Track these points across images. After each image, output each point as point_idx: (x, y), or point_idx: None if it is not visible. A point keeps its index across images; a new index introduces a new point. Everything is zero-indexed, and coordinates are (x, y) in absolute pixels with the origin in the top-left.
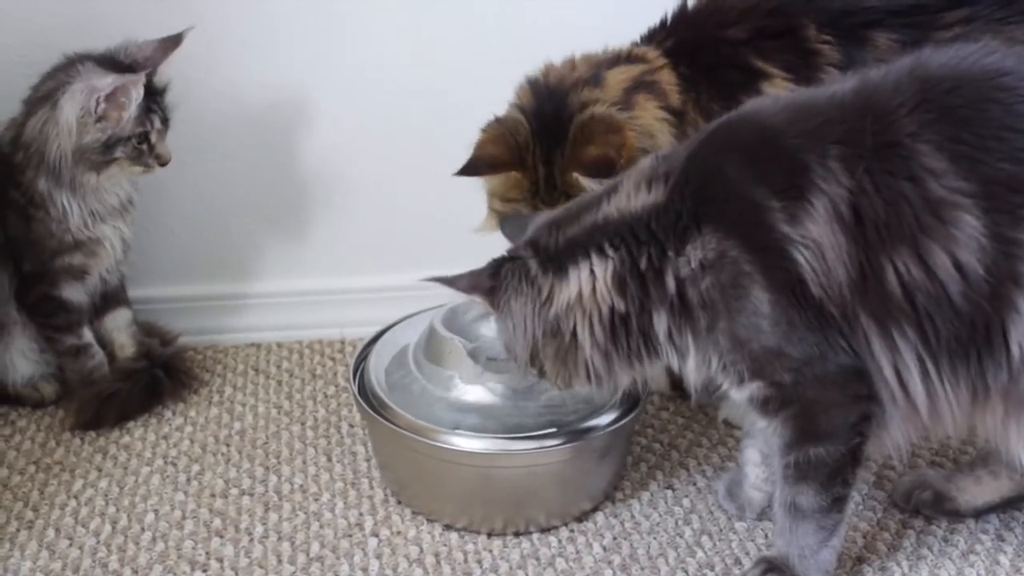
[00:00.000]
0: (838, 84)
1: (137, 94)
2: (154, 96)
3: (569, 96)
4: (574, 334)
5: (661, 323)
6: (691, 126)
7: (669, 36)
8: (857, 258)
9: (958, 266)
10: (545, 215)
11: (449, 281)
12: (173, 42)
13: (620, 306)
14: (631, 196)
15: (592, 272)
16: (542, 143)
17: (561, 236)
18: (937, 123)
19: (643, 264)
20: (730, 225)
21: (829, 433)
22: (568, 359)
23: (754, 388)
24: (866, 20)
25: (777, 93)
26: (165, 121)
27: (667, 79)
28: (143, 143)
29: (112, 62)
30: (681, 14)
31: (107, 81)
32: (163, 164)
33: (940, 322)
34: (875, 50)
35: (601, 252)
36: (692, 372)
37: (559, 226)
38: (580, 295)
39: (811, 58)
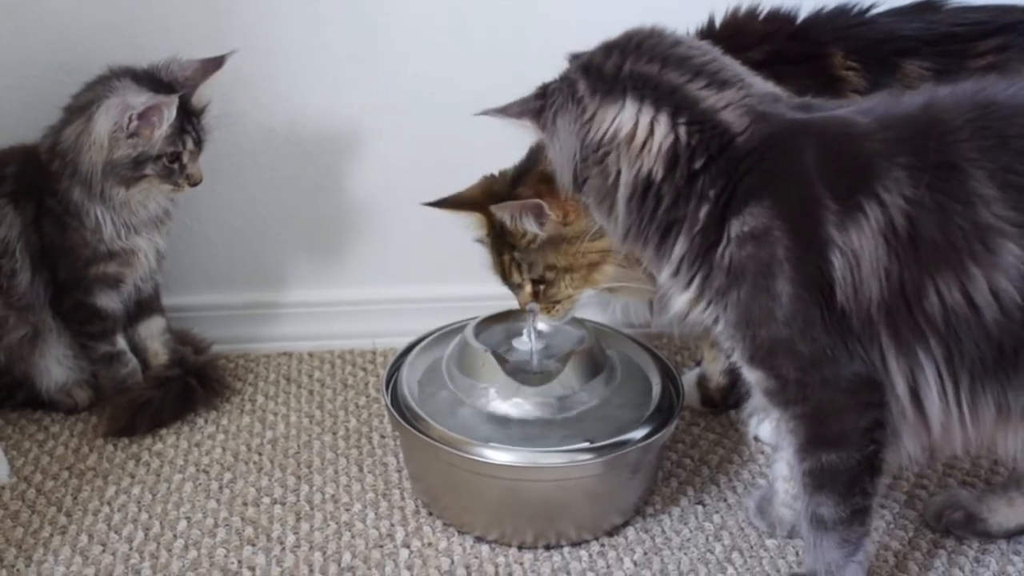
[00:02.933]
0: (908, 97)
1: (169, 115)
2: (190, 117)
3: (538, 152)
4: (618, 176)
5: (680, 244)
6: None
7: None
8: (895, 276)
9: (995, 293)
10: (606, 41)
11: (501, 110)
12: (214, 64)
13: (657, 177)
14: (731, 108)
15: (652, 128)
16: (508, 192)
17: (628, 64)
18: (993, 150)
19: (697, 166)
20: (786, 207)
21: (840, 438)
22: (606, 201)
23: (760, 376)
24: (898, 48)
25: (874, 98)
26: (199, 142)
27: None
28: (174, 162)
29: (152, 79)
30: (704, 32)
31: (141, 99)
32: (193, 184)
33: (968, 344)
34: (905, 79)
35: (673, 119)
36: (681, 304)
37: (624, 54)
38: (632, 136)
39: (834, 84)
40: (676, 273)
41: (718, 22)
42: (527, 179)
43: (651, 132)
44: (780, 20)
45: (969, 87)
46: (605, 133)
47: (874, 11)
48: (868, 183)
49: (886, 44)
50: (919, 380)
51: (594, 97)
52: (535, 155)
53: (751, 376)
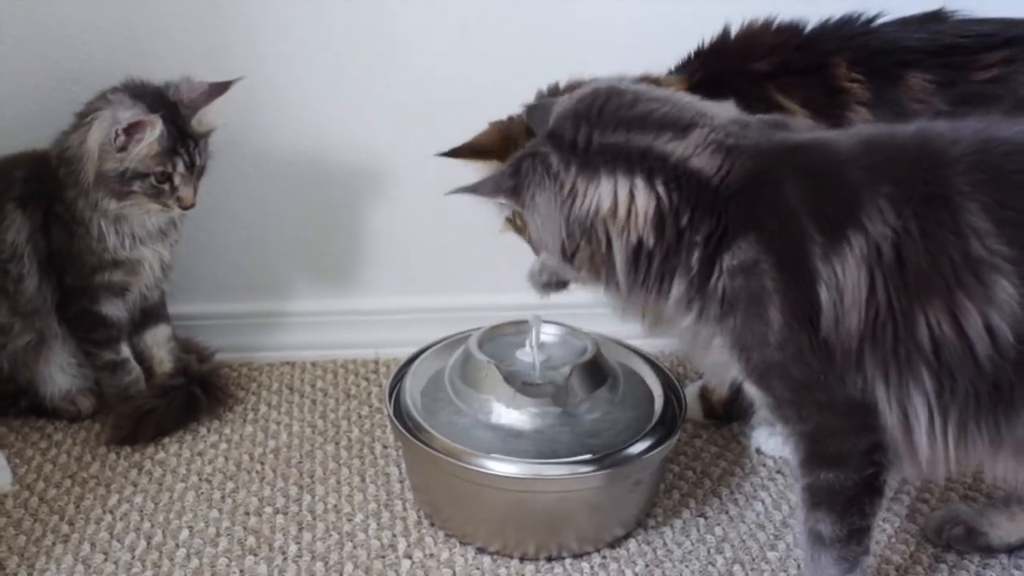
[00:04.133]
0: (901, 126)
1: (152, 133)
2: (185, 139)
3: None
4: (609, 246)
5: (677, 287)
6: None
7: (701, 64)
8: (882, 307)
9: (989, 328)
10: (568, 104)
11: (472, 188)
12: (220, 88)
13: (649, 243)
14: (698, 152)
15: (632, 195)
16: (528, 131)
17: (596, 136)
18: (989, 184)
19: (683, 222)
20: (771, 241)
21: (839, 458)
22: (602, 268)
23: (758, 394)
24: (902, 60)
25: (860, 125)
26: (191, 166)
27: None
28: (164, 183)
29: (156, 96)
30: (717, 42)
31: (127, 115)
32: (184, 208)
33: (960, 378)
34: (908, 90)
35: (650, 183)
36: (686, 324)
37: (590, 123)
38: (614, 210)
39: (838, 96)
40: (676, 308)
41: (734, 31)
42: (521, 138)
43: (632, 200)
44: (789, 31)
45: (972, 123)
46: (588, 209)
47: (879, 21)
48: (853, 213)
49: (890, 55)
50: (909, 412)
51: (569, 171)
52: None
53: (751, 391)
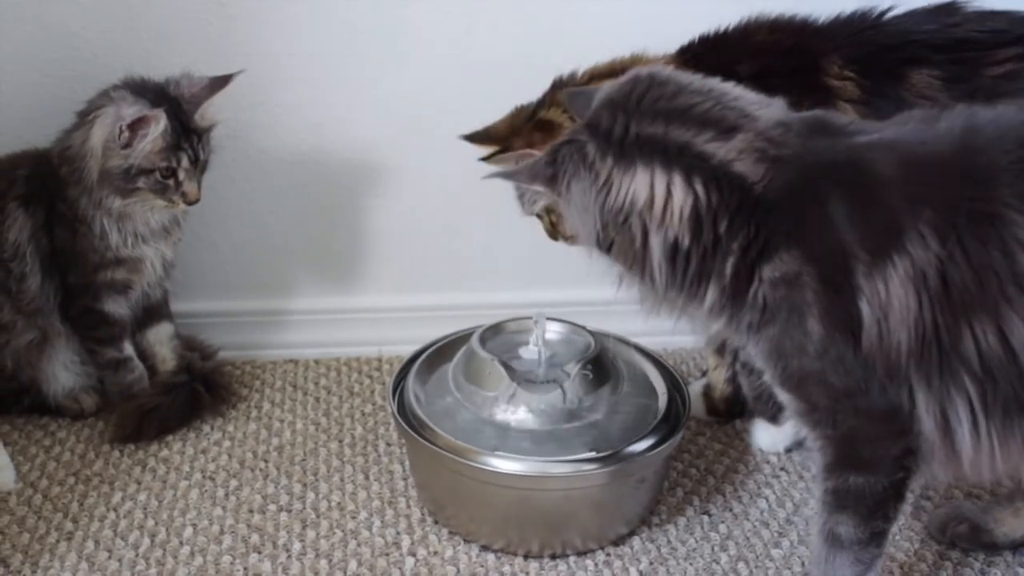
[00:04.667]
0: (943, 125)
1: (156, 128)
2: (188, 134)
3: (548, 94)
4: (645, 240)
5: (711, 293)
6: None
7: (696, 54)
8: (927, 325)
9: None
10: (607, 92)
11: (510, 174)
12: (221, 82)
13: (685, 243)
14: (743, 157)
15: (669, 191)
16: (527, 123)
17: (633, 126)
18: None
19: (723, 228)
20: (815, 256)
21: (871, 463)
22: (637, 262)
23: (790, 400)
24: (907, 56)
25: (901, 134)
26: (195, 161)
27: None
28: (168, 178)
29: (157, 92)
30: (714, 36)
31: (130, 111)
32: (189, 203)
33: (1004, 385)
34: (912, 87)
35: (688, 181)
36: (716, 329)
37: (628, 114)
38: (651, 203)
39: (821, 95)
40: (708, 315)
41: (735, 26)
42: (525, 126)
43: (669, 195)
44: (786, 30)
45: (1015, 115)
46: (624, 200)
47: (891, 14)
48: (897, 239)
49: (894, 50)
50: (950, 416)
51: (605, 161)
52: (548, 94)
53: (782, 397)
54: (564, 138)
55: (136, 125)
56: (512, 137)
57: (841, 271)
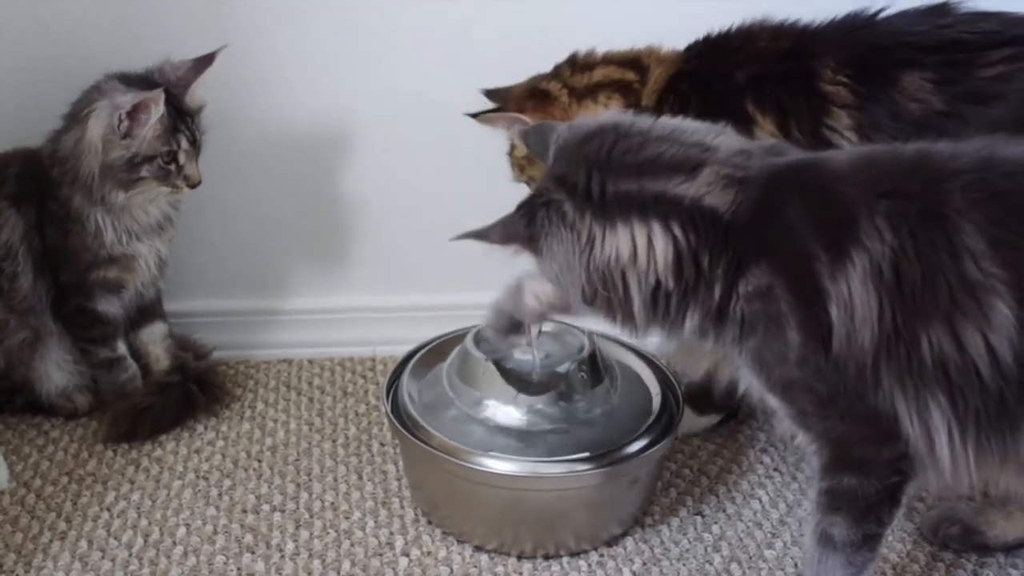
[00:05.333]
0: (899, 144)
1: (156, 109)
2: (183, 116)
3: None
4: (627, 289)
5: (692, 319)
6: None
7: (699, 54)
8: (889, 322)
9: (990, 348)
10: (576, 141)
11: (482, 234)
12: (205, 62)
13: (669, 285)
14: (711, 190)
15: (650, 241)
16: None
17: (609, 184)
18: (985, 203)
19: (704, 262)
20: (781, 265)
21: (863, 465)
22: (619, 309)
23: (780, 406)
24: (899, 58)
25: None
26: (194, 142)
27: (647, 100)
28: (170, 163)
29: (145, 82)
30: (718, 38)
31: (127, 98)
32: (192, 186)
33: (970, 395)
34: (903, 90)
35: (667, 227)
36: (705, 346)
37: (601, 170)
38: (634, 257)
39: (818, 101)
40: (692, 335)
41: (738, 28)
42: (521, 91)
43: (651, 246)
44: (785, 34)
45: (974, 141)
46: (608, 257)
47: (884, 14)
48: (852, 230)
49: (886, 52)
50: (929, 425)
51: (584, 220)
52: (556, 68)
53: (772, 403)
54: (539, 198)
55: (135, 111)
56: (509, 100)
57: (807, 277)
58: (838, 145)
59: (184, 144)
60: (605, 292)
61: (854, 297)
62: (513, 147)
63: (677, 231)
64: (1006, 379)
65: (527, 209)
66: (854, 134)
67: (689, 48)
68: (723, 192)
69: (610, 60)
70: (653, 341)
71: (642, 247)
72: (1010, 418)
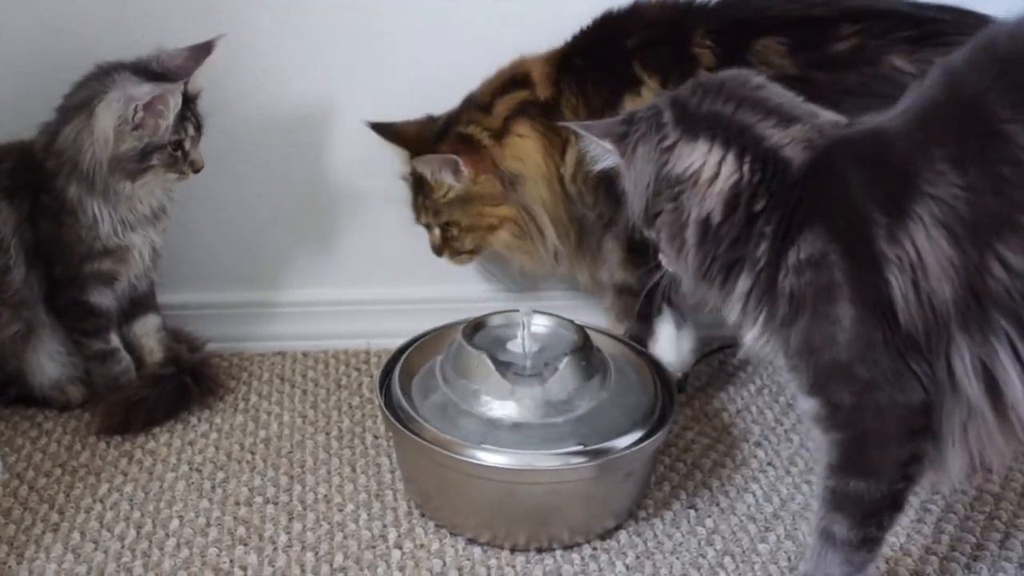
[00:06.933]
0: (929, 80)
1: (175, 103)
2: (188, 103)
3: (463, 113)
4: (684, 219)
5: (743, 282)
6: (572, 116)
7: (590, 32)
8: (965, 267)
9: None
10: (699, 79)
11: (587, 126)
12: (204, 50)
13: (716, 218)
14: (793, 144)
15: (720, 166)
16: (430, 142)
17: (707, 103)
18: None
19: (758, 207)
20: (837, 231)
21: (875, 469)
22: (676, 239)
23: (814, 404)
24: (758, 26)
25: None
26: (199, 128)
27: (545, 93)
28: (177, 150)
29: (146, 71)
30: (605, 15)
31: (144, 90)
32: (196, 171)
33: None
34: (756, 53)
35: (739, 159)
36: (749, 340)
37: (706, 91)
38: (698, 175)
39: (688, 63)
40: (743, 310)
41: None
42: (448, 137)
43: (718, 172)
44: (674, 7)
45: (978, 41)
46: (680, 169)
47: None
48: (912, 185)
49: (750, 23)
50: (996, 368)
51: (676, 129)
52: (460, 114)
53: (805, 405)
54: (648, 108)
55: (153, 103)
56: (436, 143)
57: (864, 241)
58: None
59: (191, 131)
60: (668, 214)
61: (923, 255)
62: (438, 188)
63: (746, 167)
64: None
65: (631, 113)
66: None
67: (581, 30)
68: (802, 151)
69: (498, 90)
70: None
71: (709, 168)
72: None
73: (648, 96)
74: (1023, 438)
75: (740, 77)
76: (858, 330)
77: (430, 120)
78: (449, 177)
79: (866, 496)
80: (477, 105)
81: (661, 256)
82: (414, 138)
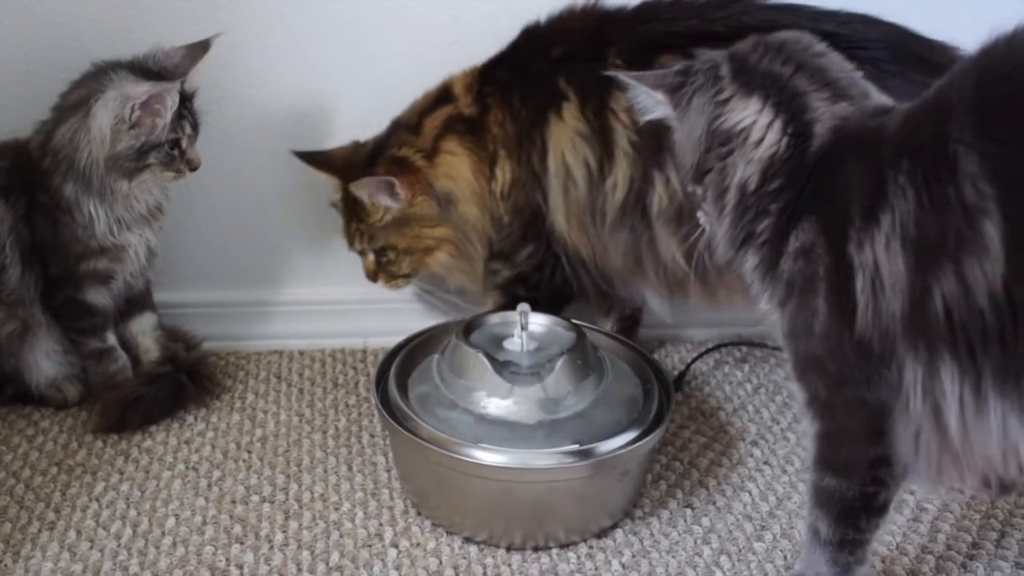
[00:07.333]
0: (939, 79)
1: (173, 101)
2: (184, 102)
3: (392, 136)
4: (728, 178)
5: (751, 258)
6: (499, 130)
7: (513, 46)
8: (912, 287)
9: (986, 279)
10: (760, 36)
11: (639, 76)
12: (201, 48)
13: (751, 186)
14: (827, 122)
15: (767, 130)
16: (362, 167)
17: (766, 62)
18: (979, 120)
19: (775, 185)
20: (825, 225)
21: (845, 466)
22: (718, 199)
23: (799, 391)
24: (662, 44)
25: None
26: (195, 126)
27: (470, 109)
28: (174, 149)
29: (142, 69)
30: (535, 25)
31: (142, 89)
32: (193, 169)
33: (977, 344)
34: (660, 68)
35: (785, 127)
36: (762, 310)
37: (768, 50)
38: (748, 133)
39: (604, 82)
40: (752, 283)
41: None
42: (381, 160)
43: (763, 137)
44: (591, 16)
45: (985, 43)
46: (730, 124)
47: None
48: (882, 193)
49: (655, 40)
50: (936, 392)
51: (733, 83)
52: (390, 137)
53: (796, 389)
54: (705, 61)
55: (150, 103)
56: (369, 167)
57: (841, 241)
58: (617, 128)
59: (188, 129)
60: (716, 173)
61: (880, 266)
62: (374, 212)
63: (785, 139)
64: (1000, 313)
65: (687, 66)
66: (628, 116)
67: (509, 45)
68: (825, 133)
69: (425, 109)
70: None
71: (758, 129)
72: (1012, 360)
73: (569, 115)
74: (964, 463)
75: (802, 40)
76: (829, 326)
77: (358, 145)
78: (386, 200)
79: (838, 494)
80: (406, 126)
81: (700, 215)
82: (344, 164)
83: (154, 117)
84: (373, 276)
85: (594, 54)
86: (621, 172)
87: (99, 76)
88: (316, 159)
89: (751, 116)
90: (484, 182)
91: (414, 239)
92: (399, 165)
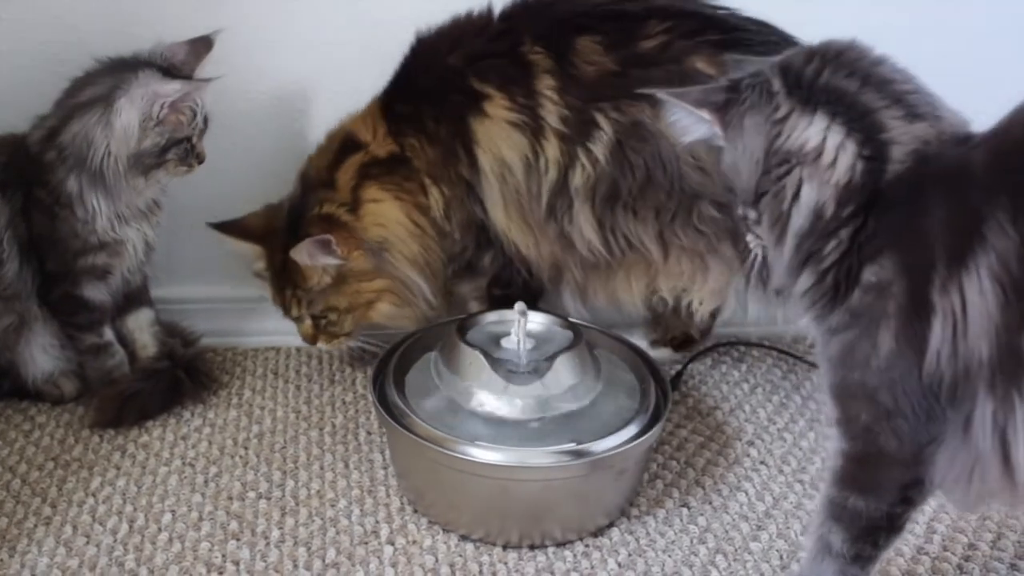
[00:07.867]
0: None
1: (202, 99)
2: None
3: (309, 195)
4: (795, 198)
5: (804, 279)
6: (420, 158)
7: (406, 69)
8: (1007, 327)
9: None
10: (811, 45)
11: (679, 93)
12: (204, 45)
13: (828, 211)
14: (906, 144)
15: (839, 151)
16: (287, 232)
17: (827, 73)
18: None
19: (848, 210)
20: (906, 266)
21: (875, 487)
22: (779, 222)
23: (833, 409)
24: (575, 26)
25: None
26: (206, 121)
27: (384, 149)
28: (188, 144)
29: (166, 68)
30: (420, 45)
31: (173, 87)
32: (201, 162)
33: None
34: (578, 53)
35: (859, 148)
36: (803, 324)
37: (824, 60)
38: (818, 154)
39: (527, 68)
40: (803, 303)
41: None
42: (307, 221)
43: (836, 158)
44: (482, 19)
45: None
46: (793, 144)
47: None
48: (978, 232)
49: (565, 23)
50: (1008, 426)
51: (789, 98)
52: (306, 196)
53: (827, 399)
54: (753, 76)
55: (177, 103)
56: (298, 230)
57: (923, 286)
58: (547, 105)
59: (201, 125)
60: (774, 194)
61: (969, 309)
62: (311, 275)
63: (860, 163)
64: None
65: (734, 82)
66: (555, 93)
67: (394, 75)
68: (907, 157)
69: (332, 163)
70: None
71: (830, 149)
72: None
73: (494, 110)
74: (1022, 494)
75: (857, 48)
76: (891, 362)
77: (272, 208)
78: (328, 259)
79: (864, 513)
80: (319, 183)
81: (750, 239)
82: (265, 232)
83: (179, 115)
84: (312, 340)
85: (504, 49)
86: (552, 150)
87: (119, 72)
88: (234, 229)
89: (817, 135)
90: (420, 214)
91: (354, 295)
92: (329, 223)
